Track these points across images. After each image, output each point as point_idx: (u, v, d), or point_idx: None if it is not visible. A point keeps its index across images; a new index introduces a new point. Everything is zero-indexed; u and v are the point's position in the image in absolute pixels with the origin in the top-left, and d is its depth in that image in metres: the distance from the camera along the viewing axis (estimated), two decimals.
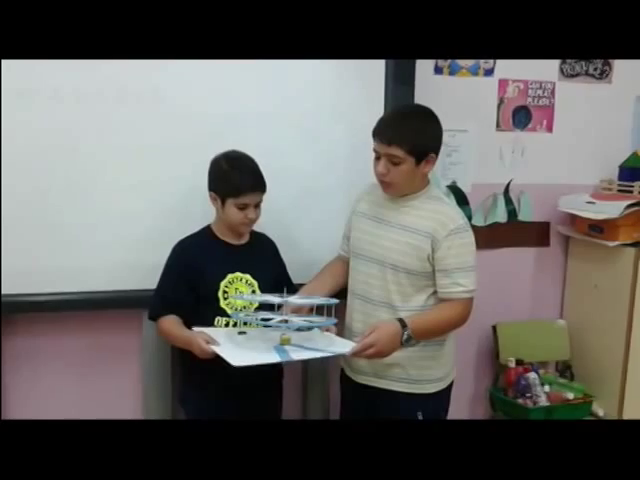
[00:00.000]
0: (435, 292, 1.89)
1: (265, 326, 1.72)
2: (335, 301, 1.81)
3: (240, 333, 1.81)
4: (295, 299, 1.81)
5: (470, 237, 1.87)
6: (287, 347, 1.69)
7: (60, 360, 2.21)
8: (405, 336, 1.76)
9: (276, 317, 1.73)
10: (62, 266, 2.06)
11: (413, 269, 1.85)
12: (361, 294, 1.95)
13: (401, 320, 1.77)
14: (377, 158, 1.84)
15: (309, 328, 1.78)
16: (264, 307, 1.85)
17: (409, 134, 1.78)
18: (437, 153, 1.85)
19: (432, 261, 1.84)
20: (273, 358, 1.63)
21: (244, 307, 1.89)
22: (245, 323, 1.84)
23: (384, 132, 1.80)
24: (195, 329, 1.78)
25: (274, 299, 1.78)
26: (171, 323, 1.86)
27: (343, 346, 1.78)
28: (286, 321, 1.72)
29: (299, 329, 1.75)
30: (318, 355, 1.71)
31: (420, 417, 1.90)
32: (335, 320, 1.78)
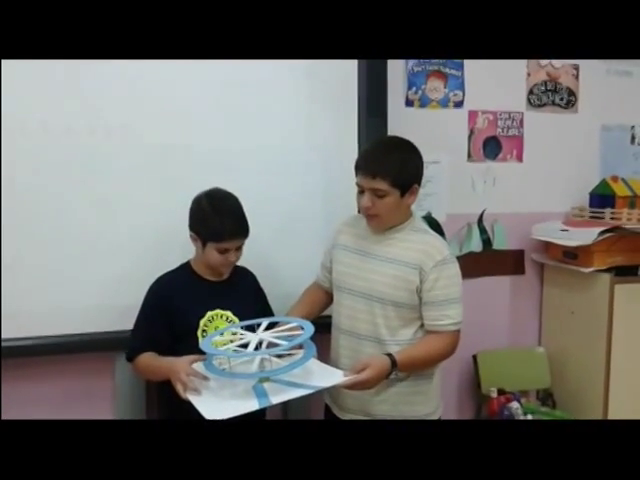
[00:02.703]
0: (422, 324, 1.86)
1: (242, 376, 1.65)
2: (312, 331, 1.70)
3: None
4: (271, 336, 1.71)
5: (456, 268, 1.86)
6: (267, 385, 1.62)
7: (28, 408, 2.11)
8: (393, 374, 1.75)
9: (254, 360, 1.65)
10: (30, 309, 1.99)
11: (401, 302, 1.82)
12: (347, 329, 1.91)
13: (390, 356, 1.74)
14: (361, 192, 1.82)
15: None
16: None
17: (393, 167, 1.77)
18: (419, 184, 1.85)
19: (419, 293, 1.82)
20: (252, 406, 1.54)
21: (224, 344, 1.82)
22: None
23: (368, 166, 1.79)
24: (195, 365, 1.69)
25: (250, 337, 1.71)
26: (149, 357, 1.80)
27: (328, 376, 1.71)
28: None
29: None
30: (301, 393, 1.61)
31: None
32: (314, 348, 1.71)
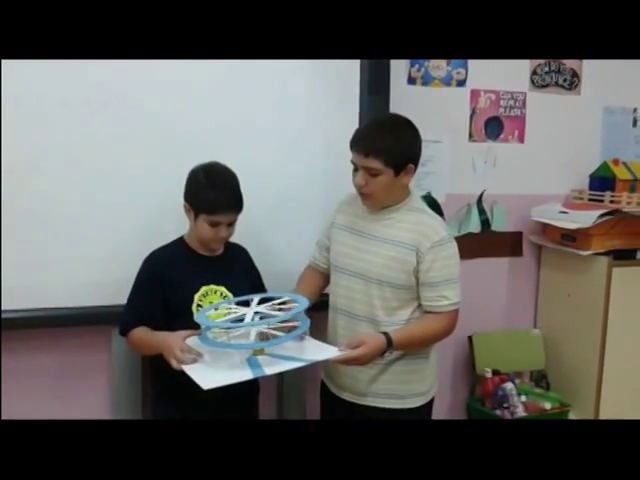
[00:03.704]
0: (419, 305, 1.85)
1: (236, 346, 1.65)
2: (306, 304, 1.70)
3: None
4: (266, 309, 1.72)
5: (454, 248, 1.84)
6: (261, 358, 1.63)
7: (26, 379, 2.13)
8: (387, 353, 1.76)
9: (250, 333, 1.66)
10: (27, 283, 1.99)
11: (398, 283, 1.81)
12: (344, 309, 1.90)
13: (386, 334, 1.74)
14: (355, 170, 1.81)
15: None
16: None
17: (386, 145, 1.74)
18: (416, 164, 1.81)
19: (417, 274, 1.81)
20: (245, 375, 1.55)
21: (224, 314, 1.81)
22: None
23: (361, 144, 1.76)
24: (189, 340, 1.69)
25: (245, 310, 1.71)
26: (142, 331, 1.80)
27: (323, 351, 1.71)
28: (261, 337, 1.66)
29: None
30: (295, 366, 1.62)
31: None
32: (308, 322, 1.71)
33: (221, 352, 1.66)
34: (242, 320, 1.67)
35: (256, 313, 1.70)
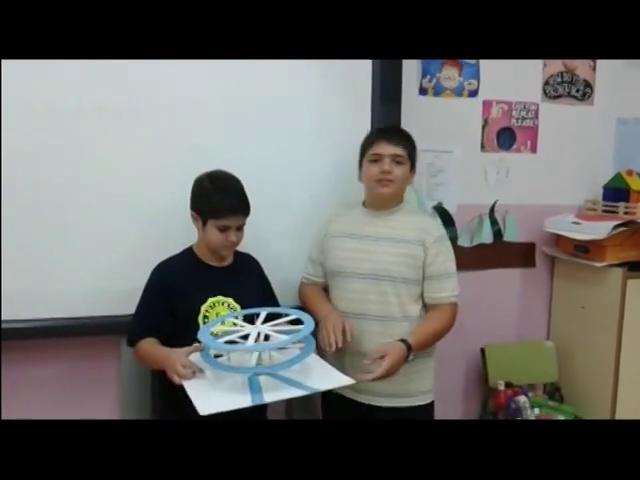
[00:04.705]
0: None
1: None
2: (312, 327, 1.68)
3: (217, 356, 1.70)
4: (270, 330, 1.69)
5: (450, 244, 2.02)
6: (263, 379, 1.59)
7: (33, 390, 2.12)
8: (410, 357, 1.84)
9: (252, 354, 1.64)
10: (36, 292, 1.98)
11: (410, 278, 1.92)
12: (357, 313, 1.93)
13: (404, 341, 1.83)
14: (375, 161, 1.93)
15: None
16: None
17: (410, 140, 1.98)
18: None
19: (424, 268, 1.93)
20: (244, 402, 1.51)
21: (225, 332, 1.80)
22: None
23: (393, 134, 1.96)
24: (192, 357, 1.68)
25: (250, 329, 1.69)
26: (149, 344, 1.79)
27: (328, 378, 1.67)
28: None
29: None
30: (296, 394, 1.57)
31: None
32: (314, 343, 1.70)
33: (221, 377, 1.63)
34: (246, 337, 1.66)
35: (259, 335, 1.67)
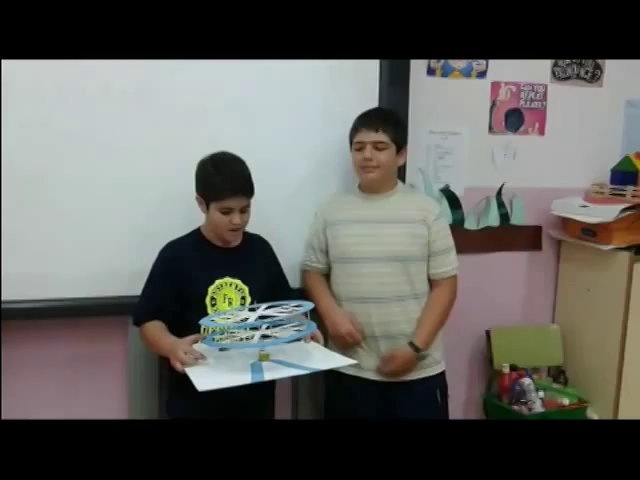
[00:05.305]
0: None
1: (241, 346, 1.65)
2: (311, 305, 1.70)
3: (222, 350, 1.72)
4: (269, 311, 1.70)
5: (445, 218, 2.15)
6: (265, 364, 1.60)
7: (42, 369, 2.13)
8: (421, 355, 2.00)
9: (255, 336, 1.65)
10: (44, 273, 1.98)
11: (419, 256, 2.01)
12: (375, 297, 1.99)
13: (411, 344, 1.98)
14: (359, 149, 1.98)
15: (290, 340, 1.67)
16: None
17: (392, 123, 1.99)
18: (406, 149, 2.08)
19: (428, 245, 2.01)
20: (244, 379, 1.53)
21: (229, 318, 1.78)
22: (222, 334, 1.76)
23: (372, 120, 1.98)
24: (196, 346, 1.69)
25: (247, 314, 1.69)
26: (155, 328, 1.79)
27: (327, 359, 1.71)
28: (266, 336, 1.65)
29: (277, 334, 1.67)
30: (296, 373, 1.60)
31: (438, 395, 2.07)
32: (314, 325, 1.71)
33: (226, 357, 1.66)
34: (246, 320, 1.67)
35: (261, 317, 1.68)
